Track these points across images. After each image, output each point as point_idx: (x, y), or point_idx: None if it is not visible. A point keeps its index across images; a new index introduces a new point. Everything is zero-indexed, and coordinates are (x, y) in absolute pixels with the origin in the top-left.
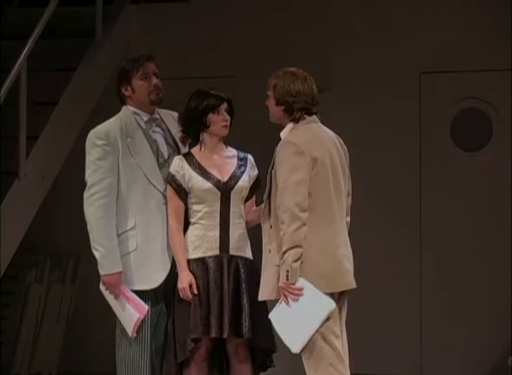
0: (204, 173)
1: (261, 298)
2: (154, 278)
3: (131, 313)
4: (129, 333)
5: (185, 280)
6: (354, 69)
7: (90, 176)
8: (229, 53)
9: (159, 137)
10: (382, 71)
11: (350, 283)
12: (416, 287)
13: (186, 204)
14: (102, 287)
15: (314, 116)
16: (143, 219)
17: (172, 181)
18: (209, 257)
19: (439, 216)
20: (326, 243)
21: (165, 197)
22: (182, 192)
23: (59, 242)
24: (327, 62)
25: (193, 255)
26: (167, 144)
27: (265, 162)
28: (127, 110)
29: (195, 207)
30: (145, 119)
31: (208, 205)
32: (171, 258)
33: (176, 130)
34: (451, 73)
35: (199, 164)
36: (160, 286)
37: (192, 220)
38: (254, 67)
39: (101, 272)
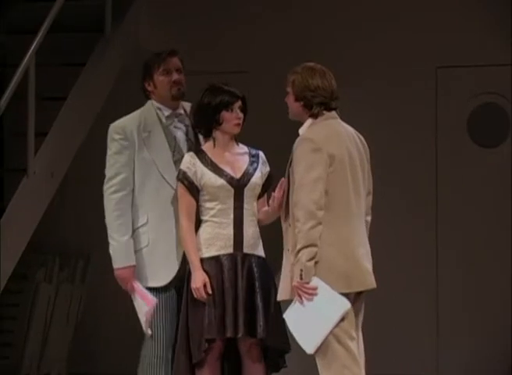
0: (216, 170)
1: (279, 297)
2: (164, 275)
3: (142, 306)
4: (144, 329)
5: (198, 279)
6: (367, 65)
7: (108, 169)
8: (242, 48)
9: (180, 133)
10: (396, 66)
11: (370, 282)
12: (432, 285)
13: (197, 201)
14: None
15: (334, 112)
16: (155, 215)
17: (184, 178)
18: (223, 255)
19: (455, 213)
20: (344, 242)
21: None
22: (194, 190)
23: (68, 241)
24: (341, 58)
25: (207, 253)
26: (187, 140)
27: (280, 160)
28: (151, 105)
29: (208, 204)
30: (166, 114)
31: (221, 203)
32: (181, 255)
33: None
34: (468, 67)
35: (211, 161)
36: (171, 283)
37: (204, 218)
38: (267, 62)
39: (114, 265)
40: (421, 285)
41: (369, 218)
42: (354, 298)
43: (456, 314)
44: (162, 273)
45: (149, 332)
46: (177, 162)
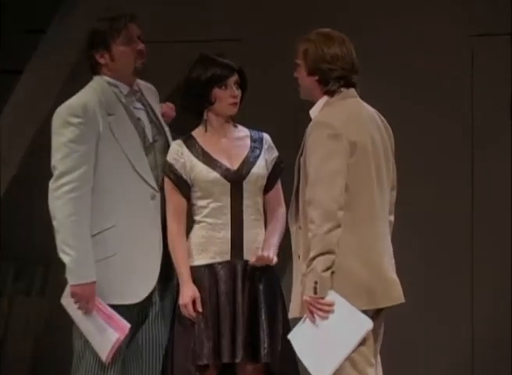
0: (209, 161)
1: (291, 315)
2: (138, 290)
3: (108, 334)
4: (103, 358)
5: (187, 294)
6: (389, 33)
7: (60, 162)
8: (235, 11)
9: (142, 115)
10: (425, 34)
11: (398, 297)
12: (467, 299)
13: (188, 199)
14: (66, 300)
15: (353, 90)
16: (126, 216)
17: (170, 172)
18: (218, 263)
19: (493, 204)
20: (366, 248)
21: (153, 189)
22: (183, 185)
23: (25, 246)
24: (355, 23)
25: (199, 261)
26: (151, 123)
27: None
28: (102, 81)
29: (200, 202)
30: (125, 92)
31: (216, 200)
32: (159, 265)
33: (156, 106)
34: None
35: (203, 150)
36: (139, 303)
37: (197, 218)
38: (265, 28)
39: (71, 281)
40: (453, 298)
41: (392, 218)
42: (373, 315)
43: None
44: (135, 288)
45: (109, 361)
46: (147, 151)
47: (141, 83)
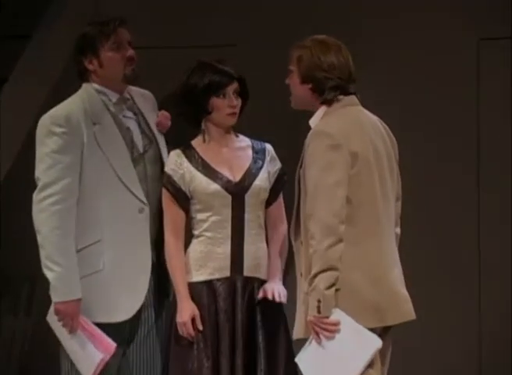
0: (209, 172)
1: (295, 336)
2: (126, 307)
3: (92, 353)
4: None
5: (186, 312)
6: (392, 36)
7: (43, 173)
8: (229, 16)
9: (132, 124)
10: (432, 37)
11: (408, 313)
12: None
13: (187, 212)
14: (52, 318)
15: (354, 97)
16: (113, 230)
17: (169, 183)
18: (217, 280)
19: (500, 211)
20: (371, 264)
21: (141, 202)
22: (181, 197)
23: (10, 262)
24: (356, 27)
25: (197, 277)
26: (142, 133)
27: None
28: (90, 88)
29: (199, 216)
30: (114, 99)
31: (216, 213)
32: (148, 281)
33: (150, 114)
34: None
35: (202, 160)
36: (126, 321)
37: (196, 232)
38: (260, 33)
39: (55, 298)
40: (462, 314)
41: (398, 229)
42: (381, 333)
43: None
44: (122, 305)
45: None
46: (136, 162)
47: (135, 90)
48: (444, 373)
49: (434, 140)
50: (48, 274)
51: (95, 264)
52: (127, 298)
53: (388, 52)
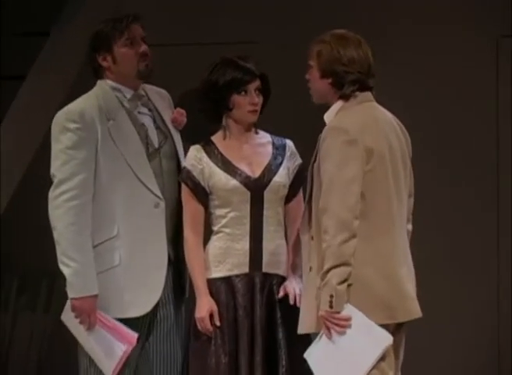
0: (229, 168)
1: (300, 330)
2: (143, 302)
3: (113, 347)
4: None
5: (204, 307)
6: (412, 33)
7: (58, 169)
8: (251, 13)
9: (147, 120)
10: (449, 34)
11: (415, 311)
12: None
13: (206, 208)
14: (67, 316)
15: (369, 93)
16: (128, 225)
17: (188, 179)
18: (236, 276)
19: None
20: (384, 260)
21: (157, 197)
22: (200, 193)
23: (29, 259)
24: (374, 24)
25: (216, 273)
26: (157, 129)
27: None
28: (105, 85)
29: (218, 211)
30: (128, 96)
31: (235, 209)
32: (164, 276)
33: (165, 111)
34: None
35: (222, 156)
36: (146, 314)
37: (215, 228)
38: (281, 30)
39: (71, 294)
40: (479, 311)
41: (410, 226)
42: (394, 330)
43: None
44: (140, 299)
45: None
46: (151, 157)
47: (150, 88)
48: (463, 367)
49: (452, 135)
50: (64, 270)
51: (111, 260)
52: (143, 293)
53: (404, 50)
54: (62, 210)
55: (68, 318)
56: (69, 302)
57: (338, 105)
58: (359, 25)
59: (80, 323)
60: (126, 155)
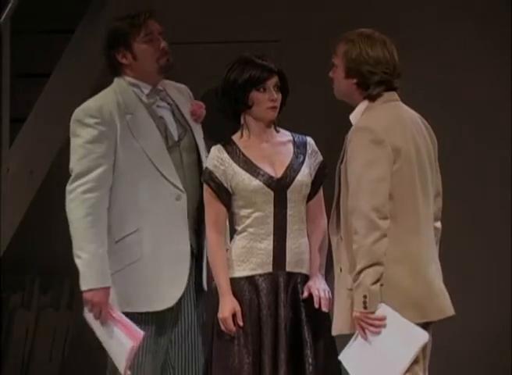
0: (251, 168)
1: (334, 332)
2: (166, 296)
3: (124, 342)
4: (121, 370)
5: (227, 307)
6: (427, 40)
7: (76, 163)
8: (273, 11)
9: (166, 113)
10: (464, 43)
11: (448, 309)
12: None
13: (228, 208)
14: (89, 313)
15: (394, 93)
16: (150, 219)
17: (210, 180)
18: (260, 275)
19: None
20: (413, 258)
21: (179, 189)
22: (223, 193)
23: (51, 258)
24: (394, 28)
25: (239, 272)
26: (176, 122)
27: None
28: (122, 81)
29: (242, 212)
30: (146, 91)
31: (258, 209)
32: (188, 269)
33: (184, 105)
34: None
35: (244, 155)
36: (170, 309)
37: (238, 228)
38: (304, 28)
39: (83, 286)
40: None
41: (439, 224)
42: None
43: None
44: (163, 294)
45: (128, 373)
46: (171, 150)
47: (169, 83)
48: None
49: (464, 140)
50: (77, 261)
51: (134, 254)
52: (168, 286)
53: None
54: (76, 202)
55: (88, 313)
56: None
57: (363, 105)
58: (377, 26)
59: (94, 316)
60: (146, 148)
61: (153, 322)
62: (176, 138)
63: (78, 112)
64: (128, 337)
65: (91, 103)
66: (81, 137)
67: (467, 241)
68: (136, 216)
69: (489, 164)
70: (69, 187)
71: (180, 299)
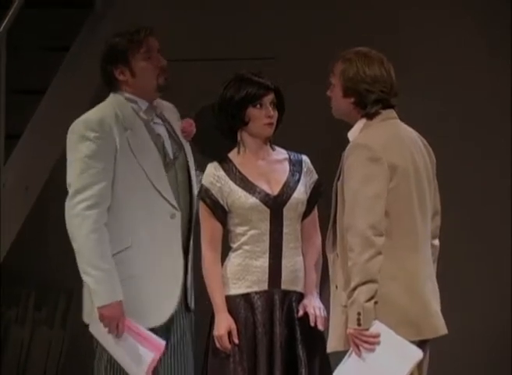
0: (247, 186)
1: (329, 349)
2: (159, 312)
3: (142, 354)
4: None
5: (222, 325)
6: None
7: (76, 178)
8: (268, 29)
9: (162, 131)
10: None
11: (441, 328)
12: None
13: (224, 225)
14: (95, 327)
15: (392, 111)
16: (144, 235)
17: (207, 197)
18: (255, 293)
19: None
20: (409, 276)
21: (174, 207)
22: (219, 211)
23: (46, 273)
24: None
25: (235, 290)
26: (171, 140)
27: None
28: (120, 96)
29: (237, 229)
30: (144, 107)
31: (254, 227)
32: (181, 285)
33: (175, 123)
34: None
35: (240, 173)
36: (162, 326)
37: (233, 246)
38: (299, 46)
39: (98, 303)
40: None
41: (437, 242)
42: (419, 346)
43: None
44: (157, 309)
45: None
46: (167, 168)
47: (159, 101)
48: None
49: (464, 150)
50: (88, 279)
51: (128, 269)
52: (161, 303)
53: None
54: (79, 219)
55: (96, 328)
56: (95, 313)
57: (361, 123)
58: (374, 42)
59: (110, 331)
60: (144, 165)
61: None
62: (172, 156)
63: (78, 125)
64: (147, 349)
65: (91, 115)
66: (80, 152)
67: (466, 247)
68: (131, 232)
69: (489, 172)
70: (69, 203)
71: (172, 317)
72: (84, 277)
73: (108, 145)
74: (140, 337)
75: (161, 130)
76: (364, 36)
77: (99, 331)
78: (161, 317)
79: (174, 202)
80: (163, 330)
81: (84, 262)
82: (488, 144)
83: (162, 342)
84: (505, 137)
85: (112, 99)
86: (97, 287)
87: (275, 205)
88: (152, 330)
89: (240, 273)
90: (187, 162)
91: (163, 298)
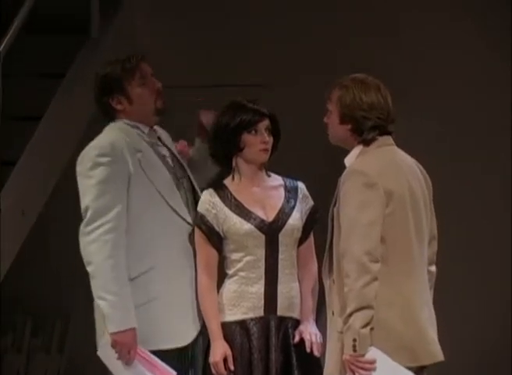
0: (242, 212)
1: (326, 374)
2: (183, 333)
3: None
4: None
5: (218, 351)
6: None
7: (92, 203)
8: (258, 56)
9: (166, 153)
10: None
11: (438, 354)
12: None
13: (219, 252)
14: (104, 352)
15: (389, 137)
16: (164, 256)
17: (202, 223)
18: (251, 319)
19: None
20: (405, 302)
21: (190, 225)
22: (214, 237)
23: (43, 299)
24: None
25: (231, 316)
26: (175, 161)
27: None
28: (122, 123)
29: (233, 256)
30: (146, 131)
31: (250, 253)
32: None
33: (172, 147)
34: None
35: (235, 199)
36: (187, 347)
37: (229, 272)
38: (294, 73)
39: (112, 329)
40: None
41: (434, 268)
42: (416, 372)
43: None
44: (179, 331)
45: None
46: (178, 187)
47: (155, 127)
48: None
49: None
50: (102, 304)
51: (151, 291)
52: (184, 324)
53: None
54: (98, 244)
55: (105, 353)
56: (105, 338)
57: (358, 149)
58: (367, 68)
59: (120, 357)
60: (158, 185)
61: (173, 358)
62: (179, 177)
63: (90, 151)
64: None
65: (102, 141)
66: (93, 178)
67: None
68: (151, 253)
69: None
70: (87, 229)
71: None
72: (98, 301)
73: (122, 168)
74: (151, 365)
75: (165, 152)
76: (356, 64)
77: (108, 356)
78: (186, 338)
79: (189, 219)
80: (175, 354)
81: (99, 287)
82: (488, 162)
83: (173, 372)
84: (505, 152)
85: (115, 125)
86: (112, 313)
87: (271, 231)
88: (178, 351)
89: (236, 299)
90: (191, 182)
91: (187, 318)
